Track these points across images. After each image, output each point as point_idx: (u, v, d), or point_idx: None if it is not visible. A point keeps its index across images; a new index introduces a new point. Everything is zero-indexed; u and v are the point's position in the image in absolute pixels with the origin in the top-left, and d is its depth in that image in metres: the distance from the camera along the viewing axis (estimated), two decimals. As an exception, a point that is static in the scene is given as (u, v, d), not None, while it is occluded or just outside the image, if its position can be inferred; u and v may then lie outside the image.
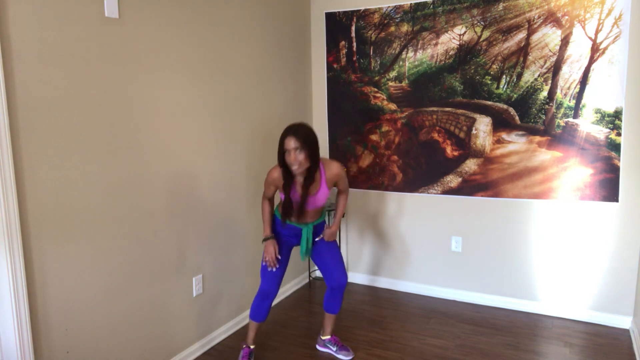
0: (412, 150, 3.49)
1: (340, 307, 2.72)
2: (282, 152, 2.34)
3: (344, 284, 2.60)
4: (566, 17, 2.93)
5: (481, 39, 3.17)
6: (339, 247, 2.67)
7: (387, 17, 3.45)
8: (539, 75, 3.05)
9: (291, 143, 2.29)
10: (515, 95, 3.12)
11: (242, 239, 3.07)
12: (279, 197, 3.13)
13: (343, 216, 3.78)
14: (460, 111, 3.30)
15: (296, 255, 3.67)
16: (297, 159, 2.30)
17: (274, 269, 2.51)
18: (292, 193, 2.45)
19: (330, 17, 3.66)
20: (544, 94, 3.05)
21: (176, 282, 2.56)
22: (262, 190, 3.23)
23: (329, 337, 2.76)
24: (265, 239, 2.51)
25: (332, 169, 2.48)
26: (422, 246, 3.57)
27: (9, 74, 1.73)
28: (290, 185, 2.42)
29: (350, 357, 2.68)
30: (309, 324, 3.11)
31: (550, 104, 3.04)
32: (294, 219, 2.52)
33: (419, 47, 3.37)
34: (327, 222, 2.74)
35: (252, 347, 2.65)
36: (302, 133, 2.31)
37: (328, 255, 2.60)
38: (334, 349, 2.73)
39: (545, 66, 3.02)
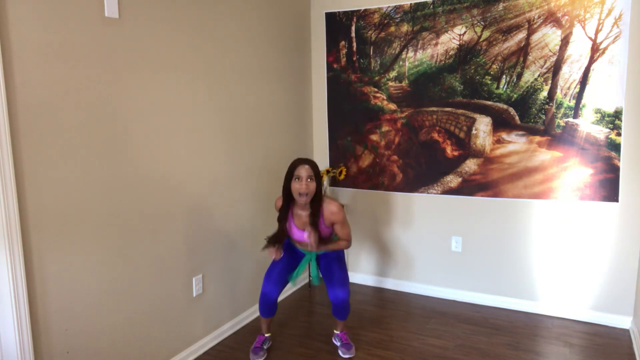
0: (412, 150, 3.49)
1: (349, 314, 2.80)
2: (288, 180, 2.46)
3: (342, 299, 2.61)
4: (566, 17, 2.93)
5: (481, 39, 3.17)
6: (344, 263, 2.72)
7: (387, 17, 3.45)
8: (539, 75, 3.05)
9: (304, 171, 2.41)
10: (515, 95, 3.12)
11: (242, 239, 3.07)
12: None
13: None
14: (460, 111, 3.30)
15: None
16: (309, 187, 2.41)
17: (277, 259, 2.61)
18: (289, 225, 2.58)
19: (330, 17, 3.66)
20: (544, 94, 3.05)
21: (176, 282, 2.56)
22: (261, 191, 3.23)
23: (338, 332, 2.81)
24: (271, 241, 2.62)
25: (330, 207, 2.51)
26: (422, 246, 3.57)
27: (9, 74, 1.73)
28: (285, 217, 2.56)
29: (348, 356, 2.69)
30: (309, 324, 3.11)
31: (550, 104, 3.04)
32: (299, 245, 2.66)
33: (419, 47, 3.37)
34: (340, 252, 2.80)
35: (266, 335, 2.78)
36: (314, 164, 2.47)
37: (331, 271, 2.65)
38: (338, 344, 2.78)
39: (545, 66, 3.02)
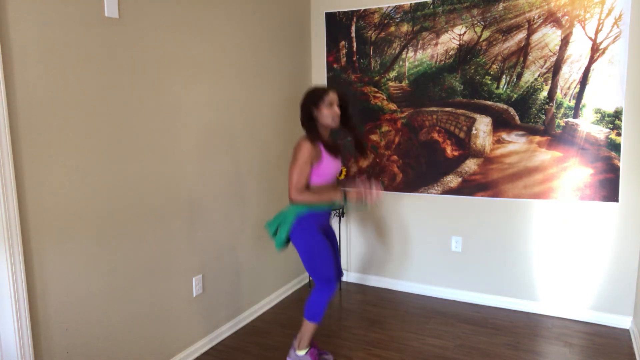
0: (412, 150, 3.49)
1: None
2: (316, 108, 2.33)
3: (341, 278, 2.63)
4: (566, 17, 2.93)
5: (481, 39, 3.17)
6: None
7: (387, 17, 3.45)
8: (539, 75, 3.05)
9: (334, 96, 2.35)
10: (515, 95, 3.12)
11: (242, 239, 3.07)
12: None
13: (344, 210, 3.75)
14: (460, 111, 3.30)
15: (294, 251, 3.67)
16: (338, 113, 2.36)
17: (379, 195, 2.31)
18: (326, 160, 2.36)
19: (330, 17, 3.66)
20: (544, 94, 3.05)
21: (176, 282, 2.56)
22: (261, 191, 3.23)
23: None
24: (344, 193, 2.30)
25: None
26: (422, 246, 3.57)
27: (9, 74, 1.73)
28: (325, 148, 2.34)
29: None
30: (309, 324, 3.11)
31: (550, 104, 3.04)
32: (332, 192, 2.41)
33: (419, 47, 3.37)
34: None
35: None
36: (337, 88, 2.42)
37: (335, 243, 2.61)
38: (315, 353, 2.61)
39: (545, 66, 3.02)
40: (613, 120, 2.89)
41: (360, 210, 2.45)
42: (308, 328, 2.48)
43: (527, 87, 3.08)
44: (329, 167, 2.37)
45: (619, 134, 2.89)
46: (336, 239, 2.64)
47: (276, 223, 2.46)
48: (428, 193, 3.47)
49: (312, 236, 2.39)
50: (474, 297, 3.42)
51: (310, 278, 3.89)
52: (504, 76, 3.14)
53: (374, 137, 3.61)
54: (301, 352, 2.50)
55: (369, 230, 3.75)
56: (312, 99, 2.34)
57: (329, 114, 2.33)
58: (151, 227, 2.37)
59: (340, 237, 3.86)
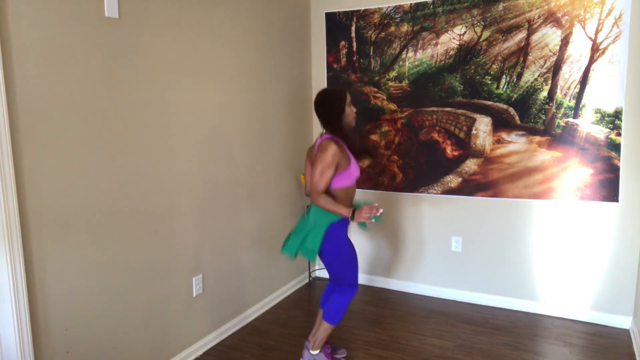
0: (412, 150, 3.49)
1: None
2: (338, 111, 2.32)
3: None
4: (566, 17, 2.93)
5: (481, 39, 3.17)
6: None
7: (387, 17, 3.45)
8: (539, 75, 3.05)
9: (349, 98, 2.39)
10: (515, 95, 3.12)
11: (242, 239, 3.07)
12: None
13: None
14: (460, 111, 3.30)
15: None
16: (355, 111, 2.43)
17: (379, 212, 2.21)
18: (353, 164, 2.35)
19: (330, 17, 3.66)
20: (544, 94, 3.05)
21: (176, 282, 2.56)
22: (261, 191, 3.23)
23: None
24: (353, 212, 2.23)
25: None
26: (422, 246, 3.57)
27: (9, 74, 1.73)
28: (350, 150, 2.35)
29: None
30: (308, 324, 3.11)
31: (550, 104, 3.04)
32: (349, 203, 2.39)
33: (419, 47, 3.37)
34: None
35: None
36: None
37: None
38: (329, 351, 2.67)
39: (545, 66, 3.02)
40: (613, 120, 2.89)
41: (361, 227, 2.53)
42: (325, 330, 2.48)
43: (527, 87, 3.08)
44: (356, 170, 2.37)
45: (619, 134, 2.89)
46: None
47: (301, 235, 2.37)
48: (428, 193, 3.47)
49: (344, 242, 2.38)
50: (474, 297, 3.42)
51: (311, 278, 3.89)
52: (504, 76, 3.14)
53: (374, 137, 3.61)
54: (315, 352, 2.53)
55: (369, 230, 3.75)
56: (340, 100, 2.33)
57: (351, 113, 2.39)
58: (151, 227, 2.37)
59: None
